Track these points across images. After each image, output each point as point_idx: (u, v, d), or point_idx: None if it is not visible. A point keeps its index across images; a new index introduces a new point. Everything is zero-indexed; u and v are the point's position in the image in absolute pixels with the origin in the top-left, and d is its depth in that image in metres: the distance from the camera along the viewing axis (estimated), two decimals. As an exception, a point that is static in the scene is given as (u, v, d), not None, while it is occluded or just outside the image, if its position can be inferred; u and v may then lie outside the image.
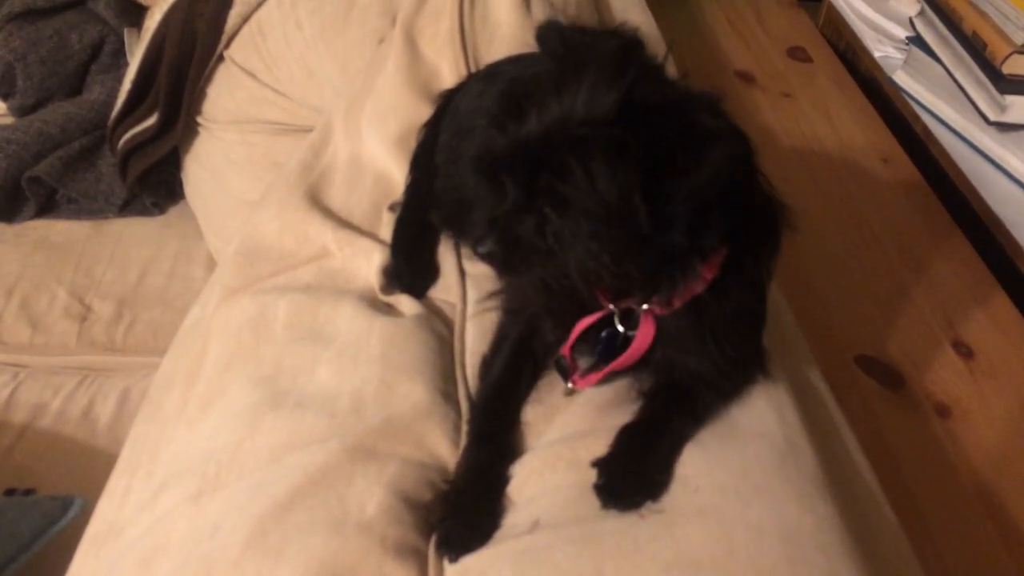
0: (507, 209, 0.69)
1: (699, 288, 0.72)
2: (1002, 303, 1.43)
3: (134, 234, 1.54)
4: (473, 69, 1.06)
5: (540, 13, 1.11)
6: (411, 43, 1.10)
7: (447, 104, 1.03)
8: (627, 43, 0.68)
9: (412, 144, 1.02)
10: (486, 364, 0.86)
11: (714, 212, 0.66)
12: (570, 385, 0.81)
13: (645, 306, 0.74)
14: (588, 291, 0.73)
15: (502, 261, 0.72)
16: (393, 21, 1.18)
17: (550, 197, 0.66)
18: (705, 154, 0.63)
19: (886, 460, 1.17)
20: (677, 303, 0.73)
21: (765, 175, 0.74)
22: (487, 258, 0.72)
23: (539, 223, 0.67)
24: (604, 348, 0.78)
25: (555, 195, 0.65)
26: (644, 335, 0.76)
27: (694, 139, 0.64)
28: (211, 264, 1.47)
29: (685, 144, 0.63)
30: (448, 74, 1.07)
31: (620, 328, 0.76)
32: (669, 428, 0.76)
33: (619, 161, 0.62)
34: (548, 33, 0.72)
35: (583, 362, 0.80)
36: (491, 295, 0.93)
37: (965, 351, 1.34)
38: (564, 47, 0.70)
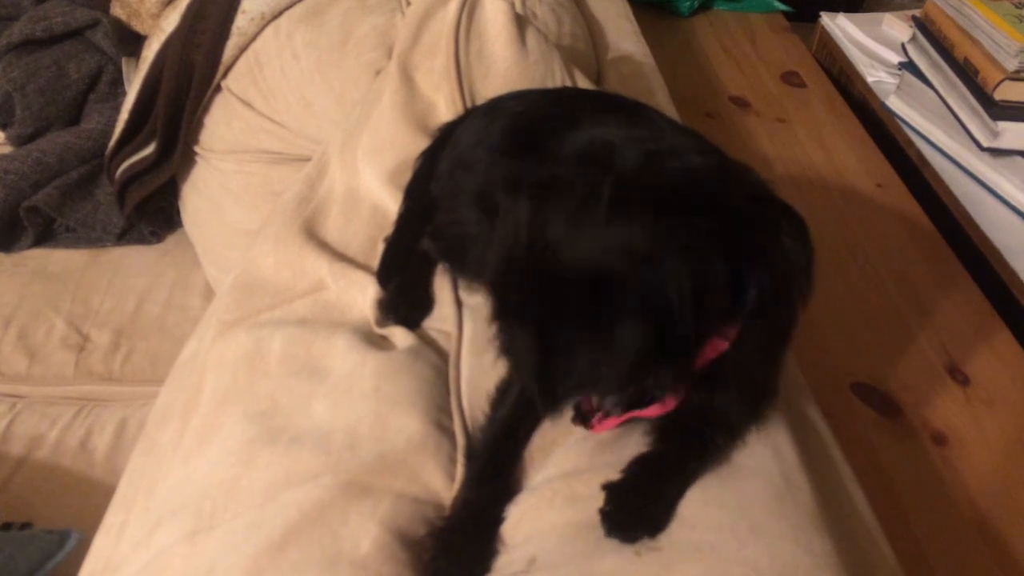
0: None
1: (722, 347, 0.69)
2: (998, 330, 1.43)
3: (132, 263, 1.54)
4: (469, 104, 1.06)
5: (535, 47, 1.11)
6: (407, 78, 1.10)
7: (446, 135, 1.02)
8: None
9: (408, 178, 1.03)
10: (501, 391, 0.84)
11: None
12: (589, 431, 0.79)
13: None
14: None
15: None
16: (389, 53, 1.19)
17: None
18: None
19: (883, 489, 1.17)
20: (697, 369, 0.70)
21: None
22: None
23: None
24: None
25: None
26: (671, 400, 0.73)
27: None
28: (209, 293, 1.48)
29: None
30: (444, 108, 1.08)
31: None
32: (681, 468, 0.75)
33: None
34: None
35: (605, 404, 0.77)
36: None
37: (961, 379, 1.34)
38: None
